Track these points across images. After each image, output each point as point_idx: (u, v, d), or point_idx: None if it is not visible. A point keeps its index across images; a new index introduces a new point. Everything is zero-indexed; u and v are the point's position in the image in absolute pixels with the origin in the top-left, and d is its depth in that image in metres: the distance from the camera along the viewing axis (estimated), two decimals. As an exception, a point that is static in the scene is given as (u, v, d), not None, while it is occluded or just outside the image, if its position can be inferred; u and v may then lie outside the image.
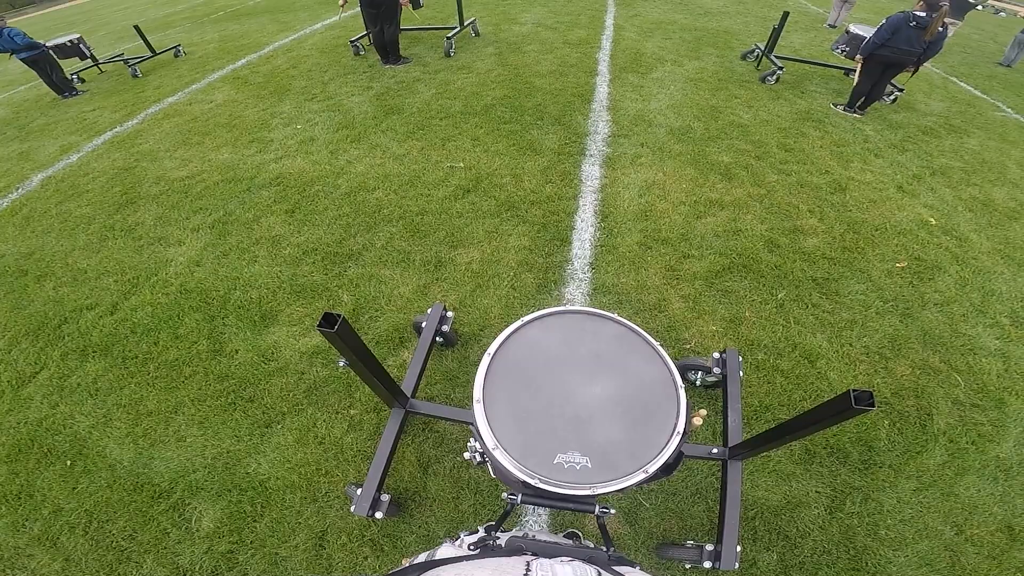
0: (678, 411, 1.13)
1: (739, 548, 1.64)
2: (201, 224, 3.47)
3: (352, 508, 1.71)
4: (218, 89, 5.87)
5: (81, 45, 6.71)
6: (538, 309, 1.35)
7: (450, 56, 6.36)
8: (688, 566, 1.81)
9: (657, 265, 3.08)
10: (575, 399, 1.14)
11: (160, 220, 3.56)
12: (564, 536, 1.86)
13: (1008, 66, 8.26)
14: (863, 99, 5.19)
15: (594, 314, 1.34)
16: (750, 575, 1.84)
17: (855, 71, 5.14)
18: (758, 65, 6.37)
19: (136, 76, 6.66)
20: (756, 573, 1.84)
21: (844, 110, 5.33)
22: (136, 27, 7.19)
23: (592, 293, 2.88)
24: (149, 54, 7.11)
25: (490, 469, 1.18)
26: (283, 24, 8.75)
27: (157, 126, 5.04)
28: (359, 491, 1.75)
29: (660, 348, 1.25)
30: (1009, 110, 6.08)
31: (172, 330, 2.73)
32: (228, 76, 6.32)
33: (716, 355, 2.17)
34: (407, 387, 1.99)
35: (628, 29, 7.66)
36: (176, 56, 7.40)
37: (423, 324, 2.25)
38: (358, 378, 2.11)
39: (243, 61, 6.85)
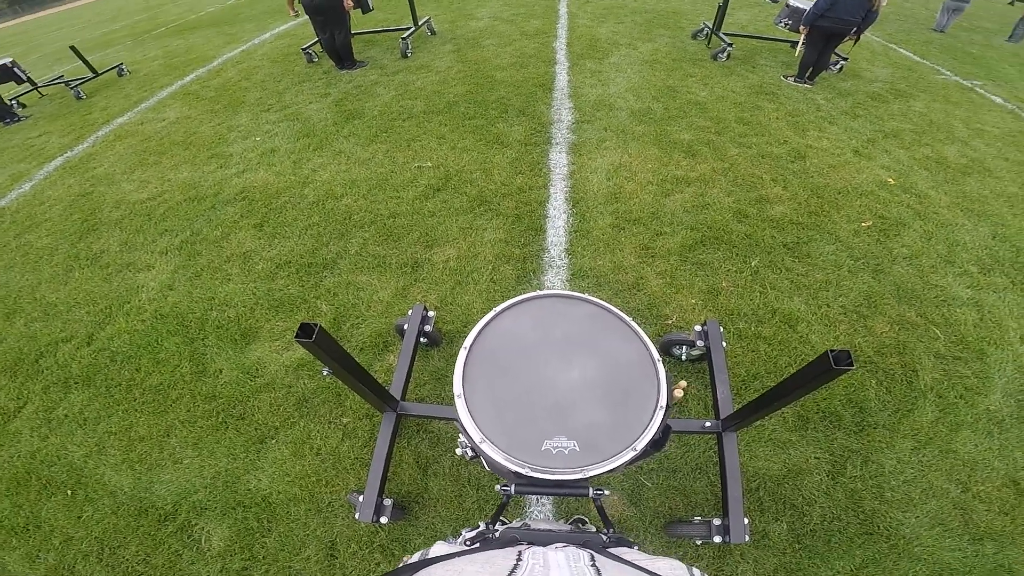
0: (658, 386, 1.13)
1: (747, 520, 1.65)
2: (168, 246, 3.37)
3: (356, 515, 1.71)
4: (169, 106, 5.69)
5: (15, 68, 6.39)
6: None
7: (407, 57, 6.29)
8: (699, 542, 1.82)
9: (631, 245, 3.12)
10: (556, 384, 1.13)
11: (126, 245, 3.44)
12: (571, 522, 1.88)
13: (941, 31, 8.62)
14: (811, 69, 5.35)
15: (566, 296, 1.33)
16: (763, 547, 1.85)
17: (800, 43, 5.29)
18: (708, 43, 6.49)
19: (80, 98, 6.39)
20: (769, 544, 1.86)
21: (795, 81, 5.48)
22: (73, 48, 6.91)
23: (571, 278, 2.91)
24: (91, 75, 6.83)
25: (484, 462, 1.18)
26: (229, 36, 8.51)
27: (110, 148, 4.85)
28: (361, 498, 1.74)
29: (633, 324, 1.25)
30: (948, 72, 6.35)
31: (152, 356, 2.66)
32: (178, 92, 6.12)
33: (698, 328, 2.20)
34: (395, 390, 1.98)
35: (581, 16, 7.71)
36: (120, 75, 7.12)
37: (405, 326, 2.24)
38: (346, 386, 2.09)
39: (192, 76, 6.64)
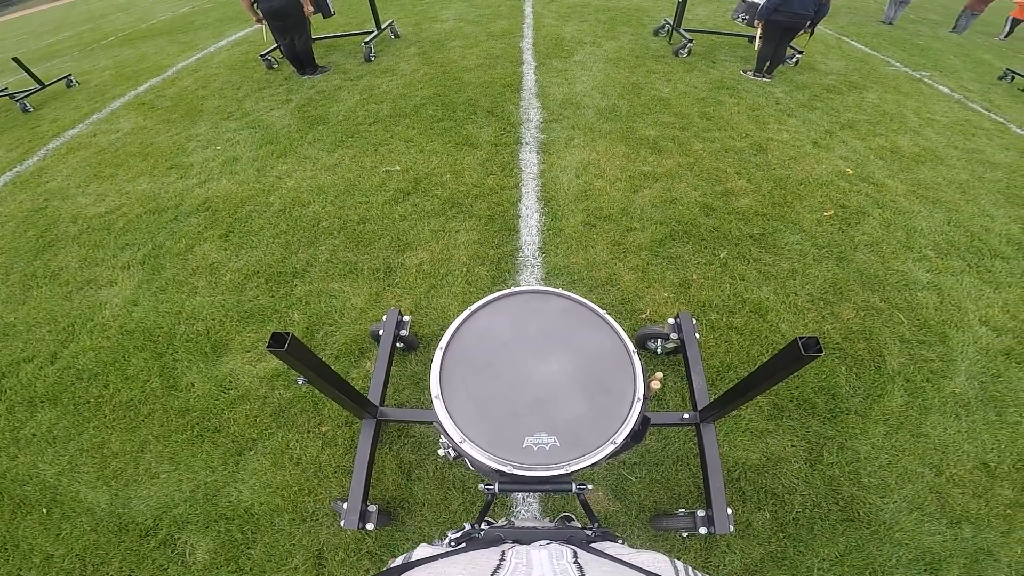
0: (634, 378, 1.14)
1: (730, 511, 1.67)
2: (131, 261, 3.25)
3: (342, 523, 1.69)
4: (123, 117, 5.48)
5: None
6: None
7: (371, 61, 6.22)
8: (686, 535, 1.85)
9: (603, 241, 3.16)
10: (533, 380, 1.14)
11: (85, 261, 3.31)
12: (559, 520, 1.89)
13: (890, 23, 9.00)
14: (768, 63, 5.50)
15: (539, 292, 1.34)
16: (748, 537, 1.88)
17: (756, 37, 5.44)
18: (670, 39, 6.62)
19: (27, 110, 6.11)
20: (753, 534, 1.89)
21: (753, 75, 5.62)
22: (16, 59, 6.60)
23: (545, 277, 2.92)
24: (37, 86, 6.52)
25: (467, 462, 1.18)
26: (184, 44, 8.24)
27: (62, 161, 4.64)
28: (345, 505, 1.72)
29: (607, 316, 1.27)
30: (898, 64, 6.61)
31: (120, 372, 2.57)
32: (132, 103, 5.91)
33: (671, 320, 2.24)
34: (373, 396, 1.97)
35: (547, 16, 7.77)
36: (69, 86, 6.83)
37: (380, 332, 2.22)
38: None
39: (146, 86, 6.42)
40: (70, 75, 6.91)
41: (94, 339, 2.77)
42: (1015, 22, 9.38)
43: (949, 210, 3.54)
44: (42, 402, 2.48)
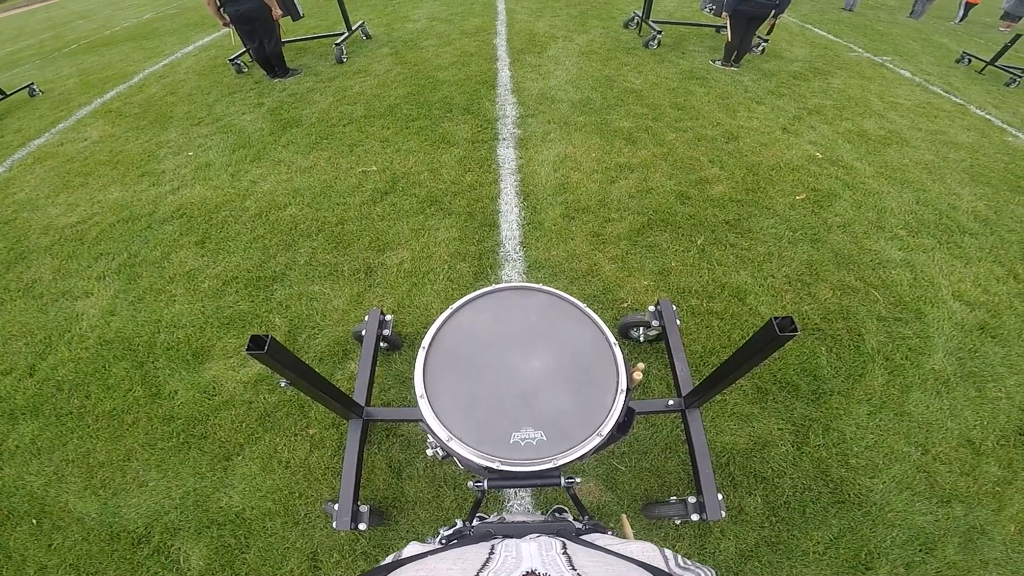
0: (617, 370, 1.15)
1: (720, 496, 1.68)
2: (106, 271, 3.18)
3: (334, 524, 1.69)
4: (90, 125, 5.34)
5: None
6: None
7: (343, 62, 6.15)
8: (679, 522, 1.85)
9: (582, 233, 3.19)
10: (518, 375, 1.15)
11: (59, 273, 3.22)
12: (550, 512, 1.90)
13: (850, 10, 9.21)
14: (736, 52, 5.59)
15: (520, 288, 1.35)
16: (741, 522, 1.90)
17: (725, 27, 5.52)
18: (639, 32, 6.68)
19: (-12, 123, 5.93)
20: (746, 519, 1.90)
21: (722, 65, 5.72)
22: (-26, 70, 6.39)
23: (527, 270, 2.94)
24: (-2, 97, 6.34)
25: (456, 460, 1.18)
26: (149, 51, 8.04)
27: (29, 172, 4.50)
28: (336, 507, 1.73)
29: (588, 310, 1.28)
30: (860, 50, 6.78)
31: (102, 382, 2.53)
32: (99, 110, 5.76)
33: (651, 308, 2.26)
34: (359, 397, 1.97)
35: (519, 12, 7.79)
36: (32, 95, 6.63)
37: (363, 332, 2.22)
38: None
39: (112, 93, 6.26)
40: (32, 84, 6.70)
41: (72, 350, 2.72)
42: (968, 6, 9.67)
43: (917, 190, 3.65)
44: (23, 414, 2.44)
